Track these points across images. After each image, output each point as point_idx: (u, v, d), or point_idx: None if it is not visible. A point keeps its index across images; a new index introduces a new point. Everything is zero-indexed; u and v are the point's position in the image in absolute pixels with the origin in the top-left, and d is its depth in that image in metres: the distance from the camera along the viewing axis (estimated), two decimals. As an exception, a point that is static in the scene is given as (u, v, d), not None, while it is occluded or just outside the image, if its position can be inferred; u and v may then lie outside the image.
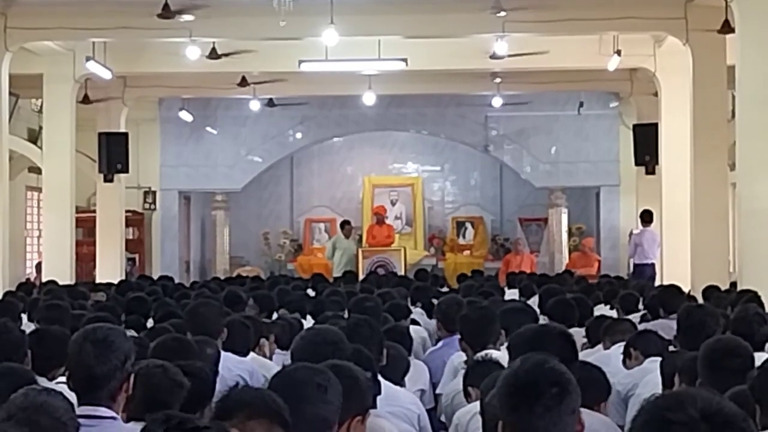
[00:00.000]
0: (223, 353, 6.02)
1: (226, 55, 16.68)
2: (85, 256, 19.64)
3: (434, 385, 6.92)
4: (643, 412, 2.37)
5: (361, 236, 21.79)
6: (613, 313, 9.60)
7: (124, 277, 17.67)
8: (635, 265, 17.72)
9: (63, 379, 4.34)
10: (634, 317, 8.73)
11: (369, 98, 19.28)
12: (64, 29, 14.70)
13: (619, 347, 6.73)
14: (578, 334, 7.28)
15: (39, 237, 20.88)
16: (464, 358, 6.46)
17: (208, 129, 22.86)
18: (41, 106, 18.67)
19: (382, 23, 14.94)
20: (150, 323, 8.34)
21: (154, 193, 22.67)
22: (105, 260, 18.98)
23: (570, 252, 22.33)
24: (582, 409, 3.38)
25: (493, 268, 21.17)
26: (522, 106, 22.28)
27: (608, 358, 6.77)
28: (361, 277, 16.89)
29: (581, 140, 22.52)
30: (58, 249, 16.77)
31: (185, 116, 21.78)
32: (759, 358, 5.33)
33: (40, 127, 18.67)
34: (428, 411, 5.93)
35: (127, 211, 20.42)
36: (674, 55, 15.34)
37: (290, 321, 8.09)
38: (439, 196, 24.61)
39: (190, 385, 4.31)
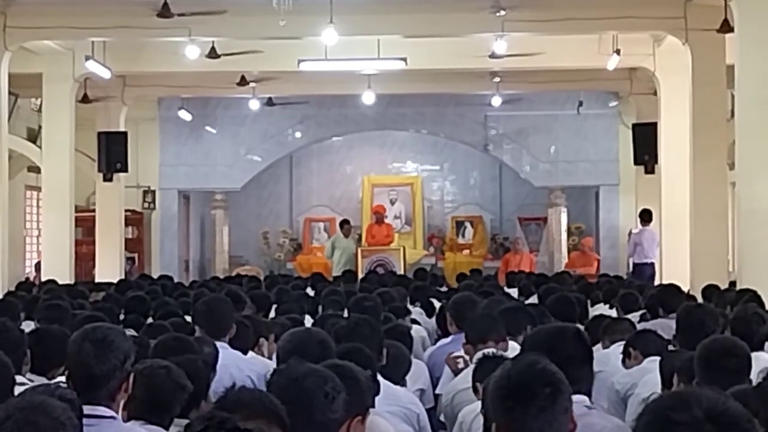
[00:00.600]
0: (231, 351, 6.07)
1: (226, 54, 16.67)
2: (84, 255, 19.63)
3: (438, 380, 6.92)
4: (647, 411, 2.37)
5: (360, 235, 21.79)
6: (613, 313, 9.60)
7: (123, 277, 17.66)
8: (635, 265, 17.72)
9: (62, 378, 4.34)
10: (634, 317, 8.73)
11: (368, 97, 19.28)
12: (63, 28, 14.70)
13: (618, 346, 6.73)
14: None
15: (38, 236, 20.88)
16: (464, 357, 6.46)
17: (208, 128, 22.86)
18: (40, 106, 18.67)
19: (381, 23, 14.95)
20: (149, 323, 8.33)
21: (154, 192, 22.67)
22: (104, 259, 18.98)
23: (569, 251, 22.33)
24: (597, 412, 3.40)
25: (493, 268, 21.17)
26: (521, 106, 22.29)
27: (607, 357, 6.78)
28: (360, 276, 16.89)
29: (580, 139, 22.52)
30: (58, 248, 16.77)
31: (184, 115, 21.77)
32: (757, 357, 5.35)
33: (40, 127, 18.66)
34: (428, 410, 5.93)
35: (126, 211, 20.42)
36: (673, 54, 15.34)
37: (291, 320, 8.08)
38: (438, 196, 24.61)
39: (195, 386, 4.33)
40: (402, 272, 18.56)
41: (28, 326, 7.24)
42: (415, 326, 8.87)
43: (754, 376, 4.82)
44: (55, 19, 14.50)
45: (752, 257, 10.76)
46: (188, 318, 7.88)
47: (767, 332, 6.29)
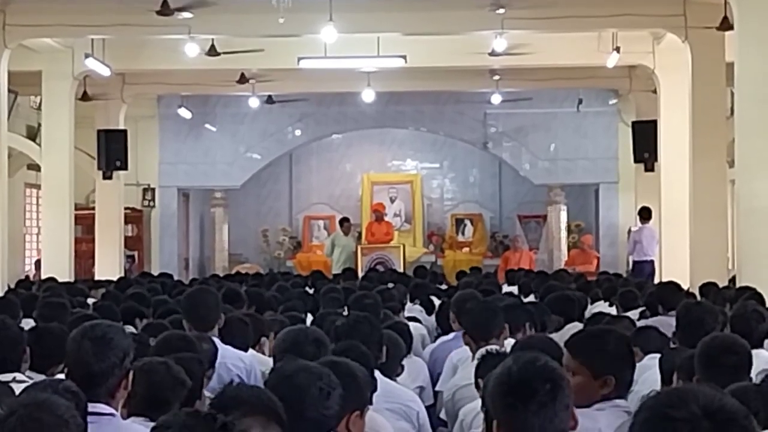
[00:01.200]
0: (222, 346, 6.00)
1: (226, 52, 16.67)
2: (84, 253, 19.64)
3: (439, 377, 6.92)
4: (644, 408, 2.37)
5: (360, 233, 21.80)
6: (612, 310, 9.60)
7: (123, 274, 17.67)
8: (634, 262, 17.72)
9: (62, 376, 4.34)
10: (633, 314, 8.73)
11: (368, 95, 19.28)
12: (62, 26, 14.69)
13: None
14: (577, 328, 7.27)
15: (38, 234, 20.88)
16: (463, 355, 6.46)
17: (207, 126, 22.85)
18: (40, 103, 18.67)
19: (381, 20, 14.94)
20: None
21: (153, 190, 22.67)
22: (104, 257, 18.99)
23: (569, 249, 22.35)
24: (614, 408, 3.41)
25: (492, 265, 21.21)
26: (521, 103, 22.29)
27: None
28: (360, 274, 16.89)
29: (580, 137, 22.52)
30: (57, 246, 16.77)
31: (184, 113, 21.77)
32: (757, 355, 5.34)
33: (39, 124, 18.66)
34: (427, 408, 5.93)
35: (126, 209, 20.42)
36: (673, 52, 15.34)
37: (291, 318, 8.08)
38: (438, 193, 24.62)
39: (191, 384, 4.33)
40: (402, 270, 18.56)
41: (27, 324, 7.24)
42: (414, 324, 8.87)
43: (754, 375, 4.82)
44: (55, 16, 14.49)
45: (752, 255, 10.76)
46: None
47: (767, 329, 6.29)
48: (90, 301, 10.87)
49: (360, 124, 22.79)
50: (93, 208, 19.78)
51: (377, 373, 5.05)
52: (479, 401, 4.65)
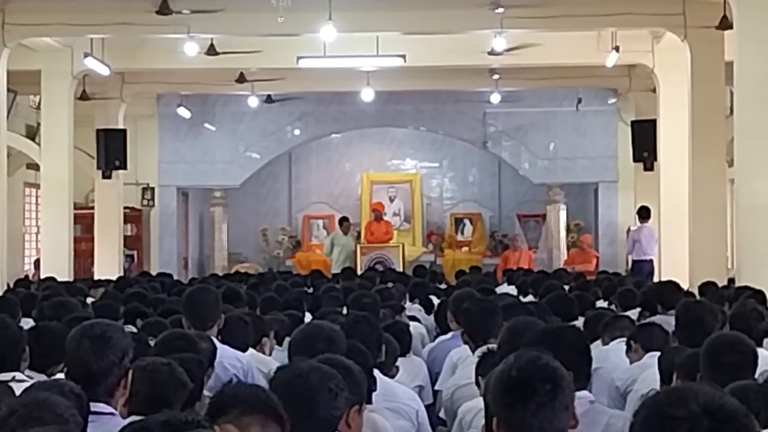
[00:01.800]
0: (220, 346, 5.99)
1: (225, 51, 16.67)
2: (83, 252, 19.63)
3: (438, 374, 6.92)
4: (644, 407, 2.37)
5: (359, 233, 21.80)
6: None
7: (122, 274, 17.67)
8: (633, 262, 17.72)
9: (61, 375, 4.34)
10: (632, 313, 8.73)
11: (367, 94, 19.27)
12: (62, 25, 14.69)
13: (617, 343, 6.74)
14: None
15: (37, 233, 20.88)
16: (462, 354, 6.46)
17: (207, 125, 22.85)
18: (39, 103, 18.66)
19: (380, 19, 14.95)
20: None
21: (153, 189, 22.66)
22: (103, 257, 18.99)
23: (568, 248, 22.34)
24: (599, 406, 3.41)
25: (492, 265, 21.22)
26: (520, 103, 22.29)
27: (607, 354, 6.79)
28: (359, 273, 16.89)
29: (579, 136, 22.52)
30: (57, 245, 16.77)
31: (183, 112, 21.77)
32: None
33: (38, 124, 18.65)
34: (426, 407, 5.93)
35: (125, 208, 20.42)
36: (672, 51, 15.34)
37: (290, 317, 8.08)
38: (437, 193, 24.62)
39: (192, 385, 4.33)
40: (401, 269, 18.57)
41: (26, 323, 7.25)
42: (414, 323, 8.88)
43: (757, 375, 4.81)
44: (54, 16, 14.49)
45: (751, 254, 10.76)
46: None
47: (766, 328, 6.30)
48: (89, 300, 10.88)
49: (359, 123, 22.79)
50: (92, 208, 19.78)
51: (377, 373, 5.06)
52: (478, 400, 4.67)
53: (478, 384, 5.23)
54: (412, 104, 22.49)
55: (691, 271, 13.69)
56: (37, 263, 19.31)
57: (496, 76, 19.09)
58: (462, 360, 6.36)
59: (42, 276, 15.87)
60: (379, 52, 16.42)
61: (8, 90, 14.93)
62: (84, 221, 19.90)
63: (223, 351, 6.01)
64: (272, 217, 24.20)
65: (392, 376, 5.93)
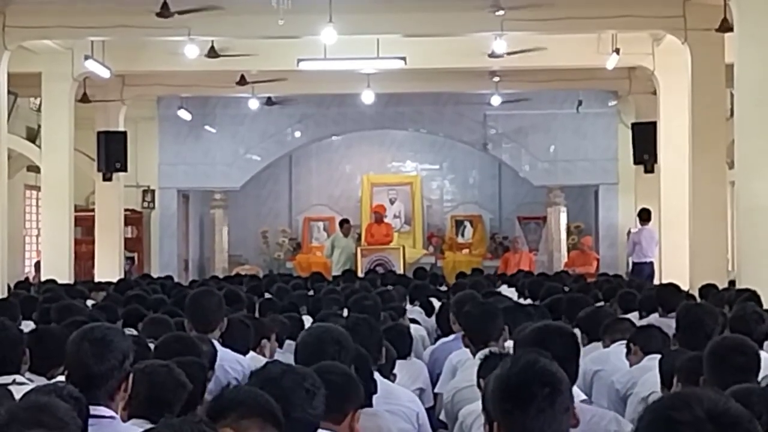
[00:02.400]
0: (221, 349, 6.00)
1: (225, 53, 16.67)
2: (83, 254, 19.63)
3: (439, 376, 6.92)
4: (648, 411, 2.37)
5: (359, 235, 21.80)
6: (612, 311, 9.59)
7: (122, 276, 17.67)
8: (634, 264, 17.72)
9: (62, 378, 4.34)
10: (633, 316, 8.73)
11: (367, 97, 19.27)
12: (62, 28, 14.69)
13: (618, 346, 6.73)
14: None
15: (38, 236, 20.88)
16: (462, 356, 6.46)
17: (207, 127, 22.86)
18: (40, 105, 18.66)
19: (380, 22, 14.95)
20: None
21: (153, 191, 22.67)
22: (104, 259, 18.99)
23: (568, 250, 22.34)
24: (588, 406, 3.40)
25: (492, 267, 21.21)
26: (520, 105, 22.29)
27: (607, 356, 6.78)
28: (360, 275, 16.89)
29: (580, 138, 22.53)
30: (57, 248, 16.77)
31: (184, 115, 21.77)
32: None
33: (39, 126, 18.65)
34: (427, 410, 5.93)
35: (125, 210, 20.42)
36: (673, 53, 15.34)
37: (290, 320, 8.08)
38: (437, 195, 24.62)
39: (192, 386, 4.33)
40: (401, 271, 18.56)
41: (26, 326, 7.25)
42: (414, 325, 8.88)
43: (760, 378, 4.81)
44: (55, 18, 14.49)
45: (752, 256, 10.75)
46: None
47: (766, 331, 6.29)
48: (89, 302, 10.88)
49: (360, 125, 22.79)
50: (93, 210, 19.78)
51: (377, 375, 5.06)
52: (479, 403, 4.66)
53: (480, 386, 5.23)
54: (412, 106, 22.49)
55: (691, 273, 13.68)
56: (37, 265, 19.32)
57: (496, 79, 19.09)
58: (462, 363, 6.36)
59: (42, 278, 15.88)
60: (379, 54, 16.43)
61: (9, 92, 14.93)
62: (84, 223, 19.90)
63: (224, 354, 6.01)
64: (273, 219, 24.19)
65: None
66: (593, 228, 23.04)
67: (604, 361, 6.69)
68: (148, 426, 3.88)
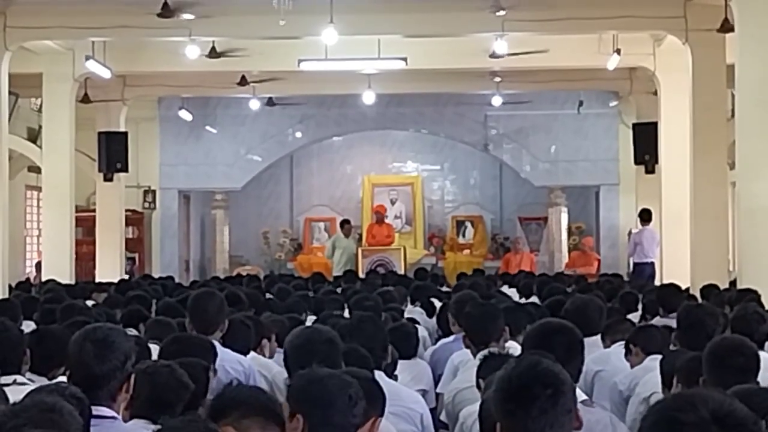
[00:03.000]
0: (221, 350, 6.00)
1: (226, 54, 16.67)
2: (84, 255, 19.62)
3: (440, 377, 6.92)
4: (652, 412, 2.36)
5: (360, 235, 21.80)
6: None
7: (123, 277, 17.67)
8: (635, 264, 17.73)
9: (63, 378, 4.34)
10: (634, 316, 8.73)
11: (368, 97, 19.27)
12: (63, 28, 14.69)
13: (619, 346, 6.72)
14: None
15: (39, 236, 20.88)
16: (464, 357, 6.46)
17: (208, 128, 22.86)
18: (41, 105, 18.66)
19: (381, 22, 14.94)
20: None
21: (154, 192, 22.67)
22: (105, 259, 18.98)
23: (569, 251, 22.33)
24: (585, 407, 3.39)
25: (493, 267, 21.20)
26: (521, 105, 22.28)
27: (608, 356, 6.78)
28: (361, 276, 16.89)
29: (581, 139, 22.52)
30: (58, 248, 16.77)
31: (185, 115, 21.77)
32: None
33: (40, 127, 18.66)
34: (430, 411, 5.92)
35: (126, 210, 20.42)
36: (674, 54, 15.34)
37: (291, 320, 8.07)
38: (438, 195, 24.61)
39: (194, 386, 4.33)
40: (402, 272, 18.56)
41: (27, 326, 7.25)
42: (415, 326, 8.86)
43: (760, 378, 4.81)
44: (55, 18, 14.49)
45: (752, 256, 10.75)
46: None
47: (767, 331, 6.29)
48: (90, 303, 10.87)
49: (361, 125, 22.79)
50: (94, 210, 19.77)
51: (382, 375, 5.05)
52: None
53: (479, 387, 5.23)
54: (413, 107, 22.49)
55: (692, 273, 13.68)
56: (38, 266, 19.32)
57: (497, 79, 19.08)
58: (463, 363, 6.35)
59: (43, 278, 15.87)
60: (380, 54, 16.43)
61: (10, 93, 14.92)
62: (85, 224, 19.89)
63: (225, 354, 6.01)
64: (273, 220, 24.19)
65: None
66: (594, 228, 23.03)
67: (605, 361, 6.69)
68: (150, 426, 3.89)
